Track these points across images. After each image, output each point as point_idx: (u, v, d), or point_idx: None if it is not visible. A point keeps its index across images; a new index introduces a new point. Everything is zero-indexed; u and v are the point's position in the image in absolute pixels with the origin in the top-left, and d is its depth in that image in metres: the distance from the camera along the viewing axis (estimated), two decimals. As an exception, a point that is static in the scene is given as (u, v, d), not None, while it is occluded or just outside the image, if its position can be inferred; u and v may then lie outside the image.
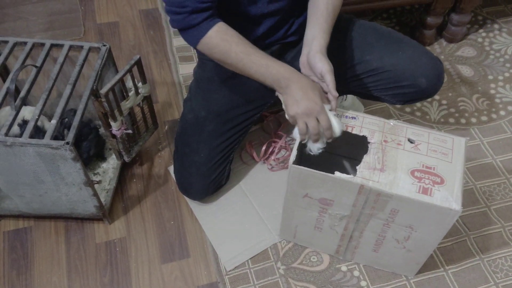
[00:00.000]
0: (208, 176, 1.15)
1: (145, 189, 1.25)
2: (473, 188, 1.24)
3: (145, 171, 1.29)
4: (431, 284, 1.09)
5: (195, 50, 1.56)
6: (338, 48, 1.09)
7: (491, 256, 1.12)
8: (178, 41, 1.59)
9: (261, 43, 1.05)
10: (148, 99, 1.20)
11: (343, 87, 1.17)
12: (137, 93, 1.14)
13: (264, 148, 1.30)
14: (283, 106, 0.97)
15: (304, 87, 0.93)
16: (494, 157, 1.30)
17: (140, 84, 1.15)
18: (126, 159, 1.21)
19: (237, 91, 1.12)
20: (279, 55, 1.10)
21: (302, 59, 0.98)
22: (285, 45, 1.11)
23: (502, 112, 1.40)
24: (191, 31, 0.94)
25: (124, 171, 1.28)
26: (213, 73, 1.13)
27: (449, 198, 0.87)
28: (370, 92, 1.13)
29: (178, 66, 1.53)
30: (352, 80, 1.11)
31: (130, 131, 1.15)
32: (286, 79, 0.94)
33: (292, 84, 0.93)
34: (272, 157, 1.30)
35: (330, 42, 0.99)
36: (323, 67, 0.93)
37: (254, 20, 1.02)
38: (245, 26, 1.01)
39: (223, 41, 0.94)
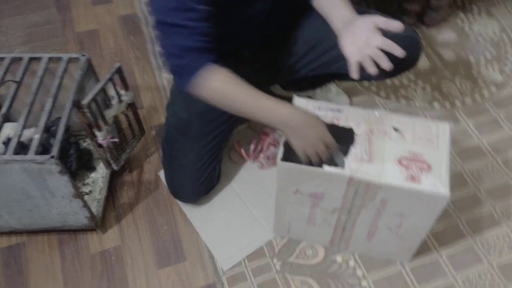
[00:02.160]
0: (198, 178, 1.15)
1: (136, 196, 1.25)
2: (461, 170, 1.25)
3: (135, 178, 1.28)
4: (426, 269, 1.10)
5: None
6: (319, 30, 1.09)
7: (483, 236, 1.14)
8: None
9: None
10: (132, 106, 1.19)
11: (325, 70, 1.17)
12: (120, 101, 1.14)
13: (252, 146, 1.30)
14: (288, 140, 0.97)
15: (308, 123, 0.95)
16: (480, 138, 1.31)
17: (123, 92, 1.14)
18: (115, 167, 1.21)
19: None
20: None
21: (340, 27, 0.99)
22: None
23: (485, 93, 1.41)
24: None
25: (114, 179, 1.27)
26: None
27: (437, 184, 0.88)
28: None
29: (161, 70, 1.52)
30: (333, 61, 1.11)
31: (116, 140, 1.15)
32: (292, 120, 0.94)
33: (297, 125, 0.94)
34: (261, 155, 1.30)
35: (310, 25, 1.02)
36: (369, 17, 0.94)
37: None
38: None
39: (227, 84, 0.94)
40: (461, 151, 1.29)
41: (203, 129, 1.13)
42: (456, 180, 1.23)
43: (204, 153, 1.14)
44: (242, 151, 1.30)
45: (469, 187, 1.22)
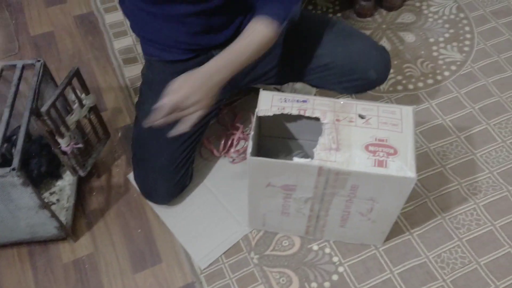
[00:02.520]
0: (172, 179, 1.14)
1: (106, 201, 1.22)
2: (427, 150, 1.28)
3: (104, 182, 1.25)
4: (398, 249, 1.12)
5: (139, 50, 1.52)
6: (290, 42, 1.10)
7: (452, 213, 1.17)
8: (119, 43, 1.55)
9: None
10: (95, 109, 1.16)
11: (296, 79, 1.19)
12: (81, 105, 1.10)
13: (222, 141, 1.29)
14: None
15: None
16: (443, 117, 1.35)
17: (83, 96, 1.11)
18: (82, 173, 1.18)
19: None
20: None
21: None
22: None
23: (446, 73, 1.44)
24: None
25: (82, 186, 1.24)
26: (165, 75, 1.10)
27: (403, 167, 0.90)
28: (322, 85, 1.17)
29: (123, 69, 1.49)
30: (304, 74, 1.13)
31: (80, 145, 1.12)
32: None
33: None
34: (232, 150, 1.29)
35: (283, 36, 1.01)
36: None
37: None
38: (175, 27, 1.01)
39: None
40: (426, 131, 1.32)
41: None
42: (423, 160, 1.26)
43: (178, 154, 1.13)
44: (212, 147, 1.29)
45: (436, 166, 1.25)
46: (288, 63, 1.13)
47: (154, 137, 1.11)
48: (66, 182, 1.22)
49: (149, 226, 1.18)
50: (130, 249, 1.15)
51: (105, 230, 1.18)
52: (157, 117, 0.90)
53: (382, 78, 1.12)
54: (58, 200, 1.19)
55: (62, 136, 1.05)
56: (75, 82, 1.08)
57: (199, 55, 1.09)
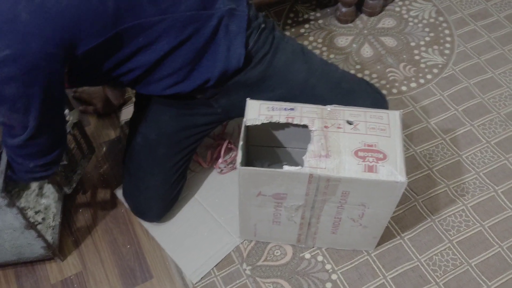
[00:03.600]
0: (166, 197, 1.12)
1: (93, 218, 1.20)
2: (414, 153, 1.29)
3: (90, 198, 1.23)
4: (390, 254, 1.13)
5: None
6: (289, 99, 1.04)
7: (441, 215, 1.18)
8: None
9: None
10: (78, 125, 1.14)
11: None
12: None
13: (209, 152, 1.28)
14: None
15: None
16: (428, 120, 1.36)
17: (67, 111, 1.09)
18: (67, 191, 1.15)
19: (185, 115, 1.09)
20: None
21: None
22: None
23: (428, 76, 1.46)
24: None
25: (68, 203, 1.21)
26: (158, 100, 1.08)
27: (393, 171, 0.90)
28: None
29: (105, 83, 1.47)
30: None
31: (65, 162, 1.09)
32: None
33: None
34: (220, 160, 1.28)
35: (281, 91, 1.02)
36: None
37: None
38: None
39: None
40: (411, 134, 1.33)
41: (173, 149, 1.10)
42: (410, 163, 1.27)
43: (173, 173, 1.12)
44: (200, 158, 1.28)
45: (423, 169, 1.26)
46: None
47: (149, 156, 1.10)
48: (52, 200, 1.19)
49: (138, 241, 1.16)
50: (120, 266, 1.12)
51: (93, 248, 1.15)
52: None
53: None
54: (43, 219, 1.16)
55: None
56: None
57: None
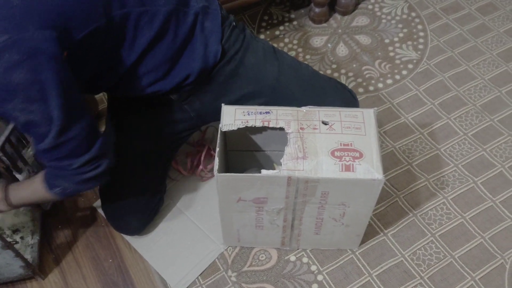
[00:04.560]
0: (145, 210, 1.11)
1: (73, 234, 1.18)
2: (393, 149, 1.30)
3: (69, 214, 1.21)
4: (375, 251, 1.13)
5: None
6: (260, 98, 1.07)
7: (422, 210, 1.19)
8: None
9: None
10: (53, 140, 1.12)
11: None
12: (38, 137, 1.06)
13: (189, 160, 1.27)
14: None
15: None
16: (405, 115, 1.37)
17: (39, 127, 1.07)
18: (46, 207, 1.13)
19: (161, 123, 1.08)
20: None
21: None
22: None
23: (404, 72, 1.47)
24: None
25: (46, 220, 1.19)
26: (131, 106, 1.07)
27: (370, 169, 0.90)
28: None
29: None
30: None
31: (41, 178, 1.07)
32: None
33: None
34: (200, 167, 1.27)
35: (252, 90, 1.02)
36: None
37: None
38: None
39: None
40: (390, 131, 1.34)
41: (148, 162, 1.09)
42: (390, 159, 1.27)
43: (150, 185, 1.11)
44: (180, 167, 1.27)
45: (403, 164, 1.27)
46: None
47: (125, 169, 1.08)
48: (29, 218, 1.16)
49: (120, 255, 1.14)
50: (103, 281, 1.10)
51: (75, 264, 1.13)
52: None
53: None
54: (22, 237, 1.13)
55: (20, 171, 1.01)
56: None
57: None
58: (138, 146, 1.08)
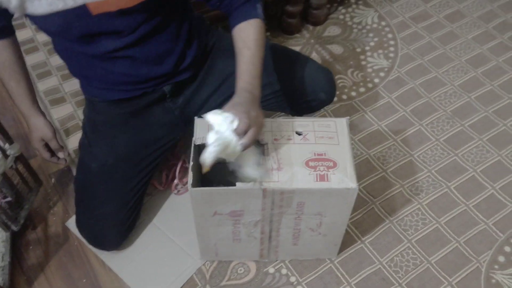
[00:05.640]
0: (123, 224, 1.08)
1: (45, 254, 1.14)
2: (368, 157, 1.31)
3: (40, 234, 1.17)
4: (353, 259, 1.13)
5: (66, 89, 1.46)
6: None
7: (398, 216, 1.20)
8: (44, 85, 1.47)
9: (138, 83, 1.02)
10: (21, 158, 1.09)
11: None
12: (6, 156, 1.03)
13: (164, 174, 1.25)
14: None
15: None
16: (379, 123, 1.38)
17: (7, 145, 1.04)
18: (15, 228, 1.10)
19: (143, 130, 1.07)
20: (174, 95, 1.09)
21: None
22: (178, 84, 1.08)
23: (376, 80, 1.49)
24: None
25: (17, 240, 1.15)
26: (110, 115, 1.06)
27: (344, 179, 0.90)
28: (271, 109, 1.19)
29: (50, 111, 1.41)
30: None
31: (9, 199, 1.04)
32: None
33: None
34: (175, 181, 1.25)
35: (232, 63, 1.02)
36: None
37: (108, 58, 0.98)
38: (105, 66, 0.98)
39: None
40: (364, 138, 1.35)
41: (129, 172, 1.07)
42: (365, 167, 1.28)
43: (130, 197, 1.08)
44: (155, 181, 1.25)
45: (378, 172, 1.28)
46: None
47: (103, 182, 1.06)
48: (-2, 240, 1.13)
49: (94, 274, 1.11)
50: (77, 301, 1.07)
51: (47, 285, 1.10)
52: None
53: (330, 98, 1.17)
54: (-10, 260, 1.09)
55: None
56: (-5, 132, 1.01)
57: (147, 93, 1.06)
58: (120, 157, 1.06)
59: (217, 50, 1.13)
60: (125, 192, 1.08)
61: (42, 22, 0.90)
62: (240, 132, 0.85)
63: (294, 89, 1.13)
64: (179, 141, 1.28)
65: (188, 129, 1.17)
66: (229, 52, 1.05)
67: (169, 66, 1.03)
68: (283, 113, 1.39)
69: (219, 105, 1.13)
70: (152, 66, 1.01)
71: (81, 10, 0.87)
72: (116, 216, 1.08)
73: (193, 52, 1.05)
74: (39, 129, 1.07)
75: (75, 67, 1.05)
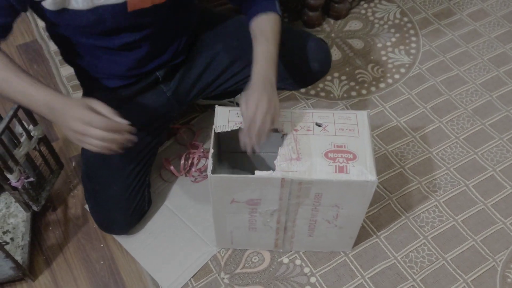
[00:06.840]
0: (128, 207, 1.09)
1: (64, 235, 1.16)
2: (386, 152, 1.30)
3: (60, 215, 1.20)
4: (367, 253, 1.13)
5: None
6: (236, 49, 1.10)
7: (415, 212, 1.19)
8: (66, 70, 1.49)
9: (139, 70, 1.04)
10: (44, 140, 1.11)
11: (241, 85, 1.18)
12: (30, 137, 1.05)
13: (182, 161, 1.27)
14: None
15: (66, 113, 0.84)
16: (398, 119, 1.38)
17: (31, 127, 1.06)
18: (36, 208, 1.12)
19: (137, 113, 1.08)
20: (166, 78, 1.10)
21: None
22: (172, 67, 1.09)
23: (396, 76, 1.48)
24: None
25: (37, 221, 1.18)
26: (104, 101, 1.07)
27: (364, 171, 0.90)
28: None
29: (72, 96, 1.44)
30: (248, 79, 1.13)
31: (32, 179, 1.06)
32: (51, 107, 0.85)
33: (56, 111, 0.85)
34: (193, 169, 1.27)
35: (222, 42, 1.01)
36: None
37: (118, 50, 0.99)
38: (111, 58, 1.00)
39: None
40: (382, 134, 1.34)
41: (127, 155, 1.07)
42: (382, 162, 1.28)
43: (131, 180, 1.09)
44: (172, 168, 1.26)
45: (395, 167, 1.27)
46: (240, 69, 1.13)
47: (103, 166, 1.07)
48: (20, 219, 1.15)
49: (112, 256, 1.13)
50: (94, 283, 1.09)
51: (65, 266, 1.12)
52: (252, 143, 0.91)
53: (324, 69, 1.14)
54: (12, 239, 1.12)
55: (11, 171, 1.00)
56: (21, 113, 1.03)
57: (141, 79, 1.08)
58: None
59: (204, 27, 1.12)
60: (125, 174, 1.08)
61: (70, 17, 0.87)
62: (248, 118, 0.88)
63: (285, 62, 1.09)
64: (175, 120, 1.31)
65: (182, 108, 1.20)
66: (216, 28, 1.08)
67: (169, 55, 1.05)
68: (288, 92, 1.40)
69: (210, 83, 1.16)
70: (156, 56, 1.04)
71: (121, 7, 0.87)
72: (118, 200, 1.09)
73: (187, 37, 1.07)
74: (79, 100, 0.87)
75: (72, 55, 1.03)
